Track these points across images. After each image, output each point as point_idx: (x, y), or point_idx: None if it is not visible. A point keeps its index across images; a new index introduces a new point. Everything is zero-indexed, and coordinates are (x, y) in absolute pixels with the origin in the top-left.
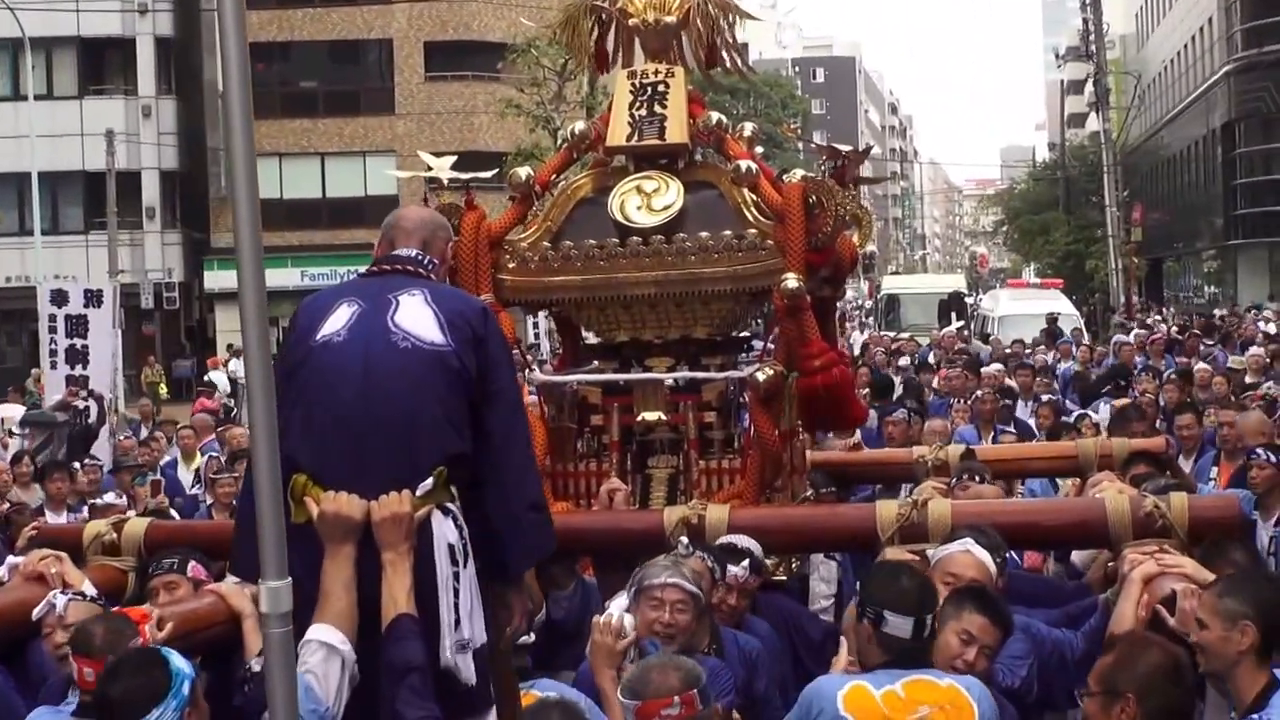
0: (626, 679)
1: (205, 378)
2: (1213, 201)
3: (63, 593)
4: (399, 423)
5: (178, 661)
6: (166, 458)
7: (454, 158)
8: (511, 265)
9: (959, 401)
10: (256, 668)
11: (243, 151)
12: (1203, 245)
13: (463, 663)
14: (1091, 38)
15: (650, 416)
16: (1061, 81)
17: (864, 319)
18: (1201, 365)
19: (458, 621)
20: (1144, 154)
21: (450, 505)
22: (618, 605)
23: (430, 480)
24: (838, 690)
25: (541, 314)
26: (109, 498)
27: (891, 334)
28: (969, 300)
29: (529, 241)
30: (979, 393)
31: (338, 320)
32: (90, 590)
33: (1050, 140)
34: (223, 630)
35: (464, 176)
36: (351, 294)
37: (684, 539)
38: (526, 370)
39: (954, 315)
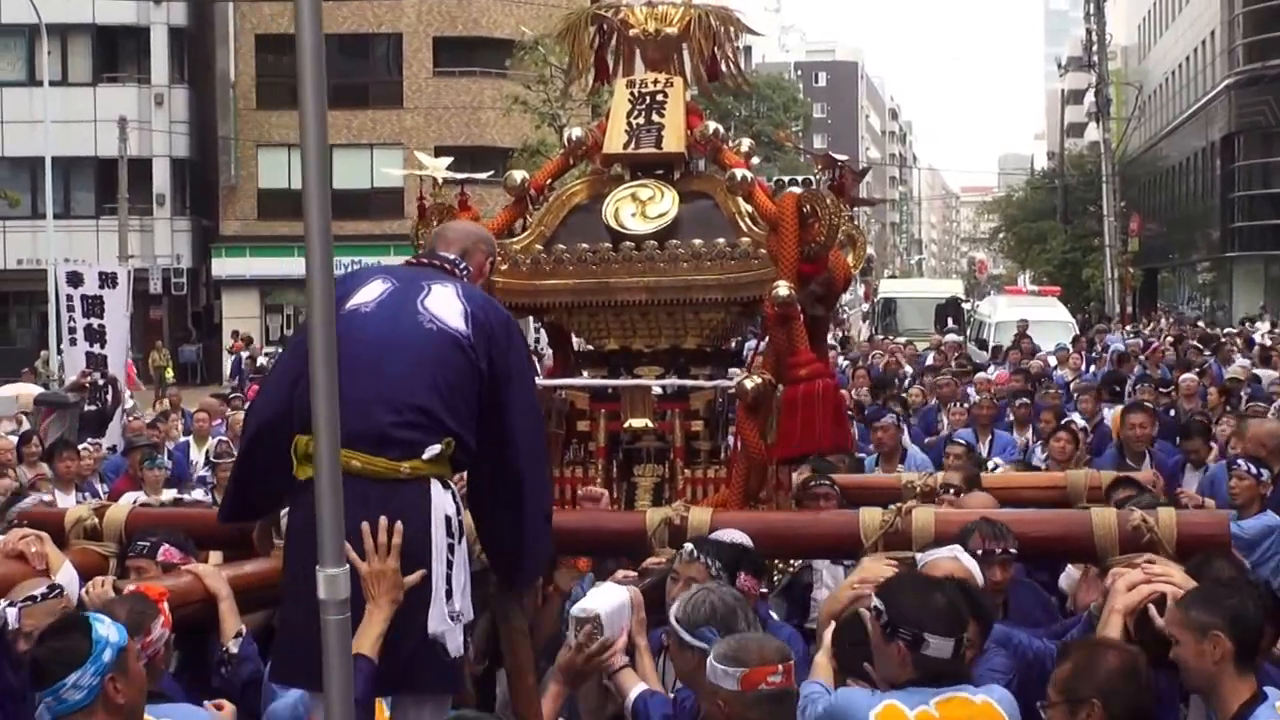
0: (723, 650)
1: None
2: (1210, 214)
3: (11, 604)
4: (407, 390)
5: (103, 629)
6: (179, 441)
7: (450, 158)
8: (504, 268)
9: (955, 405)
10: (234, 649)
11: (315, 138)
12: (1199, 257)
13: (450, 634)
14: (1094, 48)
15: (637, 423)
16: (1062, 91)
17: (857, 320)
18: (1188, 376)
19: (449, 593)
20: (1142, 165)
21: (450, 481)
22: (592, 601)
23: (439, 447)
24: (870, 710)
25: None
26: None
27: (887, 337)
28: (966, 306)
29: (522, 245)
30: (976, 398)
31: (369, 293)
32: (68, 574)
33: (1049, 150)
34: (196, 610)
35: (459, 176)
36: (387, 274)
37: (688, 545)
38: None
39: (951, 320)
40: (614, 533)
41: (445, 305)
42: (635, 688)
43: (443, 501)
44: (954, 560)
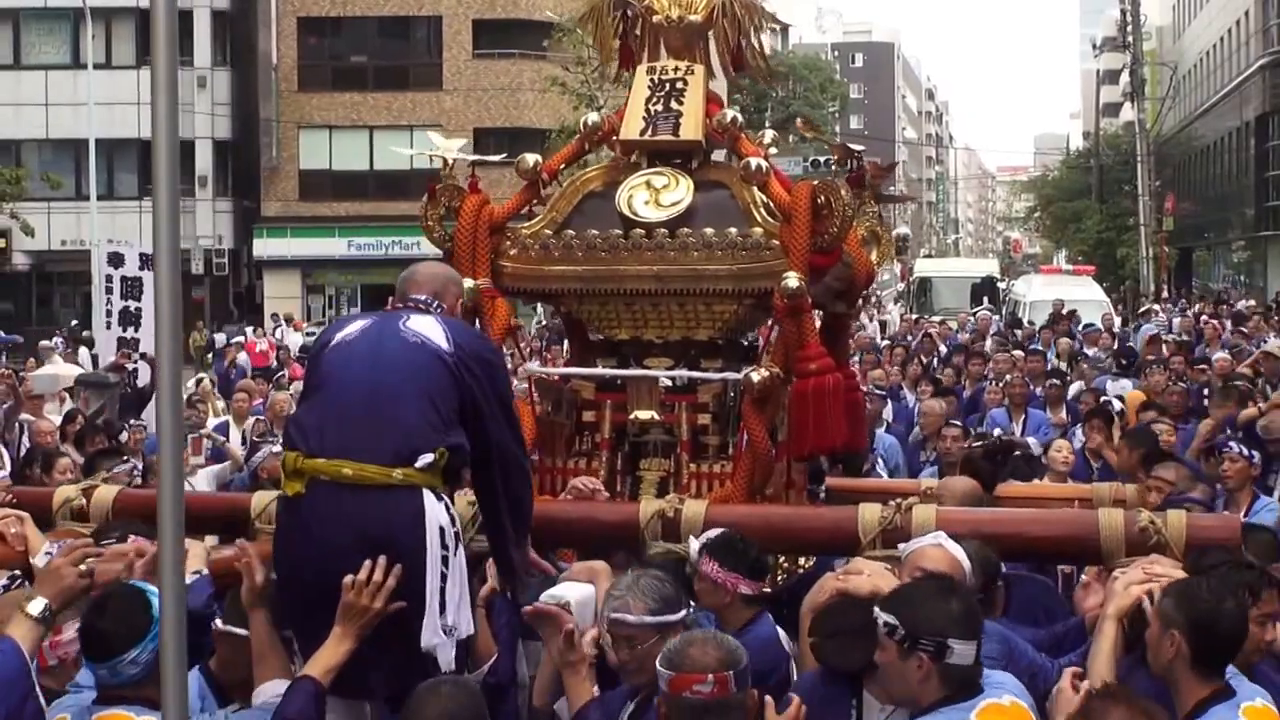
0: (667, 647)
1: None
2: (1244, 193)
3: None
4: (399, 400)
5: (158, 603)
6: (218, 420)
7: (463, 140)
8: (512, 252)
9: (991, 384)
10: (221, 627)
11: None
12: (1233, 236)
13: (442, 648)
14: (1129, 28)
15: (643, 415)
16: (1097, 71)
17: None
18: (1220, 355)
19: (443, 606)
20: (1177, 144)
21: (443, 494)
22: (562, 590)
23: (431, 456)
24: None
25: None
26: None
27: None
28: (1001, 285)
29: (532, 230)
30: (1009, 376)
31: (352, 329)
32: (40, 560)
33: (1085, 129)
34: None
35: (470, 158)
36: (366, 315)
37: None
38: (521, 362)
39: (986, 300)
40: (607, 524)
41: (429, 327)
42: (584, 697)
43: (436, 513)
44: (938, 547)
